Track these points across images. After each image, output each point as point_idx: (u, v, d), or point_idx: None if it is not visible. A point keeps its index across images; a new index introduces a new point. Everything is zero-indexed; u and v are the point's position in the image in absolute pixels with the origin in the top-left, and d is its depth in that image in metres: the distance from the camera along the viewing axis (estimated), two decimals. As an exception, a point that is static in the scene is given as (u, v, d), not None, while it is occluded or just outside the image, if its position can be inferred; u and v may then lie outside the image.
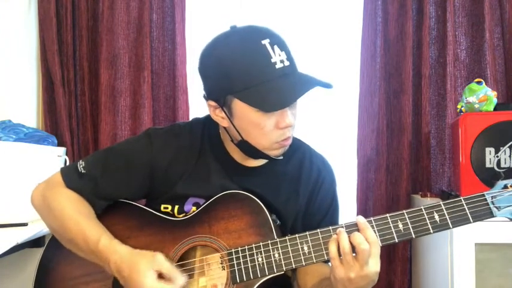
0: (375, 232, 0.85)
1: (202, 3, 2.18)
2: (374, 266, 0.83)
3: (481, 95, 1.59)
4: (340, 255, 0.83)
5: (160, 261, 0.89)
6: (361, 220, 0.85)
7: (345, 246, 0.82)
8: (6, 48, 1.92)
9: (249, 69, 0.87)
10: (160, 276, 0.88)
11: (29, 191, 1.07)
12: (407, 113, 1.97)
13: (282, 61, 0.88)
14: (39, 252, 1.07)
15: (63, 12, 2.03)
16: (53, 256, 1.05)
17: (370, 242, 0.82)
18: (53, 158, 1.75)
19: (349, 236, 0.83)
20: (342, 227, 0.88)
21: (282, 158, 1.00)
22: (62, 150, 1.83)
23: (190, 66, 2.07)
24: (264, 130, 0.91)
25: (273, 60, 0.87)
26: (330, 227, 0.89)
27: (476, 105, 1.59)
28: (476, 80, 1.63)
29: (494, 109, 1.60)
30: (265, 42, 0.87)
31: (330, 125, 2.13)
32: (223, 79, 0.89)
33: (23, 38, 2.02)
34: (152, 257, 0.90)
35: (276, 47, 0.88)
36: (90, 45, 2.09)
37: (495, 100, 1.60)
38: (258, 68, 0.86)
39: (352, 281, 0.83)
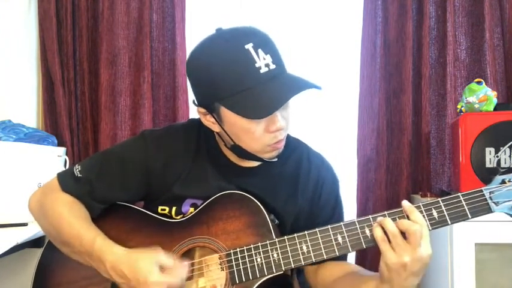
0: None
1: (202, 3, 2.17)
2: (426, 247, 0.79)
3: (481, 95, 1.59)
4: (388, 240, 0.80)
5: (161, 255, 0.89)
6: (407, 204, 0.83)
7: (393, 228, 0.79)
8: (6, 48, 1.92)
9: (233, 76, 0.85)
10: (162, 269, 0.88)
11: (29, 191, 1.07)
12: (407, 113, 1.97)
13: (267, 65, 0.85)
14: (39, 253, 1.06)
15: (63, 12, 2.03)
16: (51, 259, 1.05)
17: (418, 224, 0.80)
18: (53, 158, 1.75)
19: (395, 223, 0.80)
20: (341, 225, 0.88)
21: (276, 160, 0.99)
22: (62, 150, 1.83)
23: (190, 66, 2.07)
24: (254, 135, 0.91)
25: (257, 65, 0.85)
26: (329, 226, 0.89)
27: (476, 105, 1.59)
28: (476, 80, 1.63)
29: (494, 109, 1.60)
30: (249, 46, 0.85)
31: (330, 124, 2.13)
32: (209, 86, 0.89)
33: (23, 38, 2.02)
34: (153, 252, 0.89)
35: (260, 50, 0.85)
36: (90, 45, 2.09)
37: (495, 100, 1.60)
38: (242, 74, 0.85)
39: (407, 267, 0.78)
